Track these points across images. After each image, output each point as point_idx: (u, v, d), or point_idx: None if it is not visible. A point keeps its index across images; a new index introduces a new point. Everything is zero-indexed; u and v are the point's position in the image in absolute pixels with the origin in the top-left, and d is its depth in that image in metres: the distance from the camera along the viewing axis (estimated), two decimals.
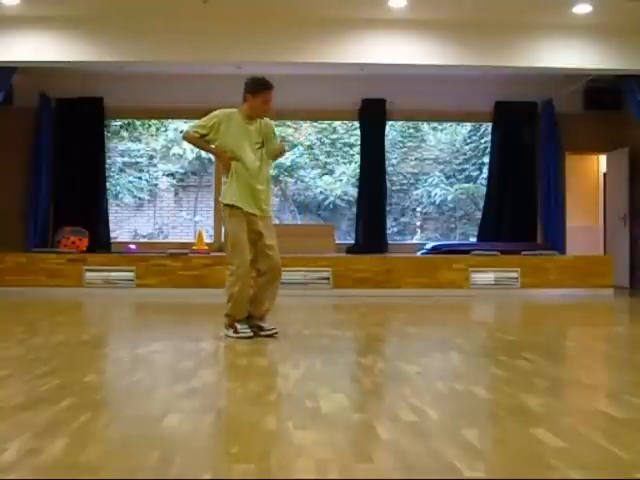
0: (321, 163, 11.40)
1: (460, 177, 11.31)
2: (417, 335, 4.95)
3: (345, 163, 11.40)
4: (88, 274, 8.47)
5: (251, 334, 4.47)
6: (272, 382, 3.24)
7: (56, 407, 2.55)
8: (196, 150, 11.08)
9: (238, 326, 4.49)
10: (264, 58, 8.12)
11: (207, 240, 9.59)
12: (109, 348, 4.49)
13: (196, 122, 4.67)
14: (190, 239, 10.13)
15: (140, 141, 11.17)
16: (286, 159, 10.71)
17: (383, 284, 8.54)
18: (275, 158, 4.90)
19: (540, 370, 3.45)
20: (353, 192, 10.83)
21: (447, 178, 11.24)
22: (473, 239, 10.55)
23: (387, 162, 10.22)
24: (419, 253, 9.51)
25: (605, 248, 10.58)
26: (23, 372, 3.34)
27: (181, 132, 11.11)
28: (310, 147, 11.27)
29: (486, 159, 10.65)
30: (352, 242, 10.16)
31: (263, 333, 4.54)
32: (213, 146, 4.61)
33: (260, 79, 4.56)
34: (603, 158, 10.74)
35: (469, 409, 2.66)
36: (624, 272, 9.75)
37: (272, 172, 4.87)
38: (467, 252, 8.96)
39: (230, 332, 4.50)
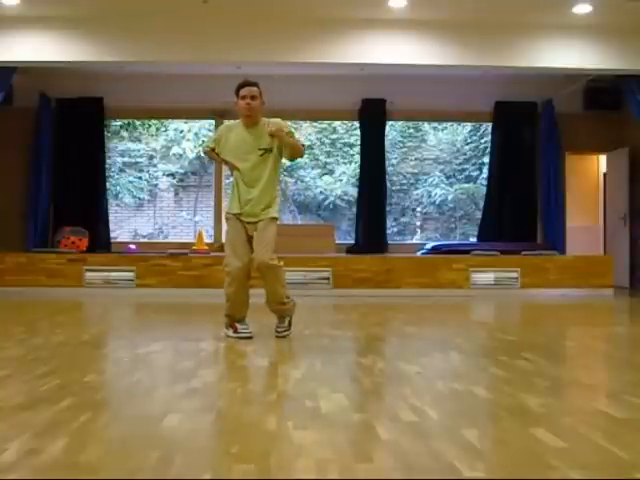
0: (321, 163, 11.40)
1: (460, 177, 11.31)
2: (417, 335, 4.95)
3: (345, 163, 11.40)
4: (88, 274, 8.47)
5: (250, 334, 4.48)
6: (272, 382, 3.24)
7: (56, 407, 2.55)
8: (196, 150, 11.13)
9: (238, 326, 4.50)
10: (264, 58, 8.12)
11: (207, 240, 9.60)
12: (109, 348, 4.49)
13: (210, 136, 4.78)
14: (190, 239, 10.14)
15: (140, 141, 11.17)
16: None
17: (383, 284, 8.54)
18: (291, 157, 4.60)
19: (540, 370, 3.45)
20: (353, 192, 10.83)
21: (447, 178, 11.25)
22: (473, 239, 10.56)
23: (387, 162, 10.23)
24: (419, 253, 9.52)
25: (605, 248, 10.58)
26: (23, 372, 3.34)
27: (181, 132, 11.17)
28: (310, 147, 11.27)
29: (486, 159, 10.66)
30: (352, 242, 10.16)
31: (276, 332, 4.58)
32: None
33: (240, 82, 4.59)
34: (603, 158, 10.74)
35: (469, 409, 2.66)
36: (624, 272, 9.76)
37: None
38: (467, 252, 8.97)
39: (230, 332, 4.52)
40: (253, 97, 4.44)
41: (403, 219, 11.29)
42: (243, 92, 4.45)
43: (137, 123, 11.05)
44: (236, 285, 4.43)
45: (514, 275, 8.71)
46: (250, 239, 4.47)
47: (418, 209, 11.33)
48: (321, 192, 11.32)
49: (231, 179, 4.70)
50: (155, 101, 9.78)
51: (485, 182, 10.49)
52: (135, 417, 2.51)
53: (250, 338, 4.43)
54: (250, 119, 4.49)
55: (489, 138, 10.45)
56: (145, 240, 10.71)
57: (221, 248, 9.39)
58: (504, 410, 2.59)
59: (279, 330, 4.55)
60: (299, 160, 11.61)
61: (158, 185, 11.31)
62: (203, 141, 11.18)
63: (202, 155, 4.94)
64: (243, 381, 3.13)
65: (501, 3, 7.69)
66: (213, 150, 4.65)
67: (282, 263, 4.48)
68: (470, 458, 1.99)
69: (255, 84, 4.50)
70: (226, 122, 4.80)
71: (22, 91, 9.23)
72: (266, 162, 4.47)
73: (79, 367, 3.46)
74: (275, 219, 4.52)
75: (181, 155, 11.14)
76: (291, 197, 11.44)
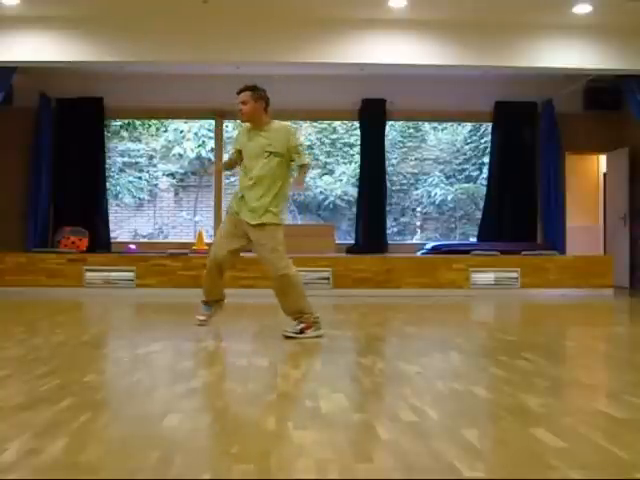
0: (321, 163, 11.39)
1: (460, 177, 11.31)
2: (417, 335, 4.95)
3: (345, 163, 11.40)
4: (88, 274, 8.46)
5: (201, 323, 4.81)
6: (272, 382, 3.24)
7: (56, 407, 2.55)
8: (196, 150, 11.13)
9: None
10: (264, 58, 8.12)
11: (207, 240, 9.58)
12: (109, 348, 4.50)
13: None
14: (190, 239, 10.13)
15: (140, 141, 11.16)
16: None
17: (383, 284, 8.54)
18: (297, 183, 4.66)
19: (540, 370, 3.45)
20: (353, 192, 10.82)
21: (447, 178, 11.24)
22: (473, 239, 10.55)
23: (387, 162, 10.22)
24: (419, 253, 9.51)
25: (605, 248, 10.57)
26: (23, 372, 3.34)
27: (181, 132, 11.17)
28: (310, 147, 11.27)
29: (486, 159, 10.65)
30: (352, 242, 10.15)
31: None
32: None
33: None
34: (603, 158, 10.74)
35: (469, 409, 2.66)
36: (624, 272, 9.75)
37: None
38: (467, 252, 8.96)
39: None
40: (243, 103, 4.58)
41: (403, 219, 11.29)
42: (237, 100, 4.61)
43: (137, 123, 11.05)
44: (208, 272, 4.75)
45: (514, 275, 8.70)
46: (243, 235, 4.60)
47: (418, 209, 11.33)
48: (321, 192, 11.32)
49: (232, 179, 4.79)
50: (155, 101, 9.77)
51: (485, 182, 10.48)
52: (135, 417, 2.51)
53: (200, 325, 4.79)
54: (252, 123, 4.64)
55: (489, 138, 10.45)
56: (145, 240, 10.70)
57: None
58: (504, 410, 2.59)
59: (286, 329, 4.53)
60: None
61: (158, 185, 11.31)
62: (203, 141, 11.18)
63: (207, 157, 5.08)
64: (243, 381, 3.13)
65: (501, 3, 7.68)
66: (239, 152, 4.74)
67: (294, 270, 4.49)
68: (470, 458, 2.00)
69: (247, 89, 4.60)
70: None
71: (22, 91, 9.22)
72: (270, 164, 4.54)
73: (79, 367, 3.46)
74: (272, 225, 4.53)
75: (181, 155, 11.14)
76: (291, 197, 11.44)
